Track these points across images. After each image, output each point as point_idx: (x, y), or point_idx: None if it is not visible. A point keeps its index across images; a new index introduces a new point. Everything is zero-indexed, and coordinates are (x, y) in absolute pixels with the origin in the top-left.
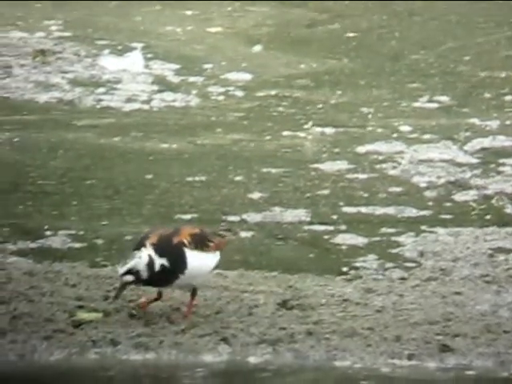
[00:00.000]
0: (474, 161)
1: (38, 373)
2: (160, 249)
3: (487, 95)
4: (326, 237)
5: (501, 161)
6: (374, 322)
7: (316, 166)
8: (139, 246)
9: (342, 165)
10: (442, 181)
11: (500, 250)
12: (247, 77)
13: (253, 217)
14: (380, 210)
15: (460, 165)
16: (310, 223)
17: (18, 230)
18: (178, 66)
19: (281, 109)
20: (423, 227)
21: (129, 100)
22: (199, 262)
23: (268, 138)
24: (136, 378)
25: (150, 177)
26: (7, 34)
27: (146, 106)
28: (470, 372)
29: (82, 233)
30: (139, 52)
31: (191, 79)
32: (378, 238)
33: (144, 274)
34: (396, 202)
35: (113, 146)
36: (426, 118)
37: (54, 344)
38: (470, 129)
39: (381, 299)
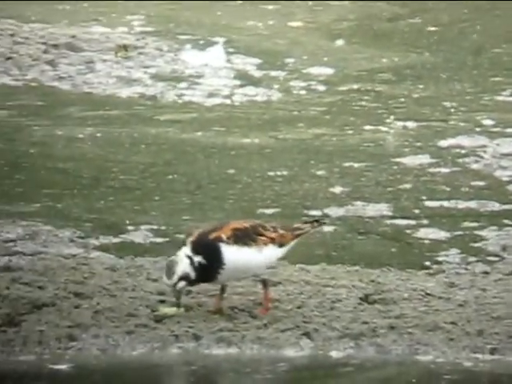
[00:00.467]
0: None
1: (120, 367)
2: (196, 246)
3: None
4: (408, 231)
5: None
6: (457, 316)
7: (398, 160)
8: (182, 244)
9: (424, 159)
10: None
11: None
12: (329, 71)
13: (335, 211)
14: (462, 204)
15: None
16: (392, 217)
17: (101, 225)
18: (259, 61)
19: (363, 103)
20: (506, 221)
21: (211, 95)
22: (238, 256)
23: (350, 132)
24: (218, 373)
25: (231, 171)
26: (90, 29)
27: (227, 101)
28: None
29: (163, 228)
30: (221, 46)
31: (273, 74)
32: (460, 232)
33: (193, 275)
34: (478, 196)
35: (195, 140)
36: (508, 112)
37: (136, 338)
38: None
39: (463, 293)
